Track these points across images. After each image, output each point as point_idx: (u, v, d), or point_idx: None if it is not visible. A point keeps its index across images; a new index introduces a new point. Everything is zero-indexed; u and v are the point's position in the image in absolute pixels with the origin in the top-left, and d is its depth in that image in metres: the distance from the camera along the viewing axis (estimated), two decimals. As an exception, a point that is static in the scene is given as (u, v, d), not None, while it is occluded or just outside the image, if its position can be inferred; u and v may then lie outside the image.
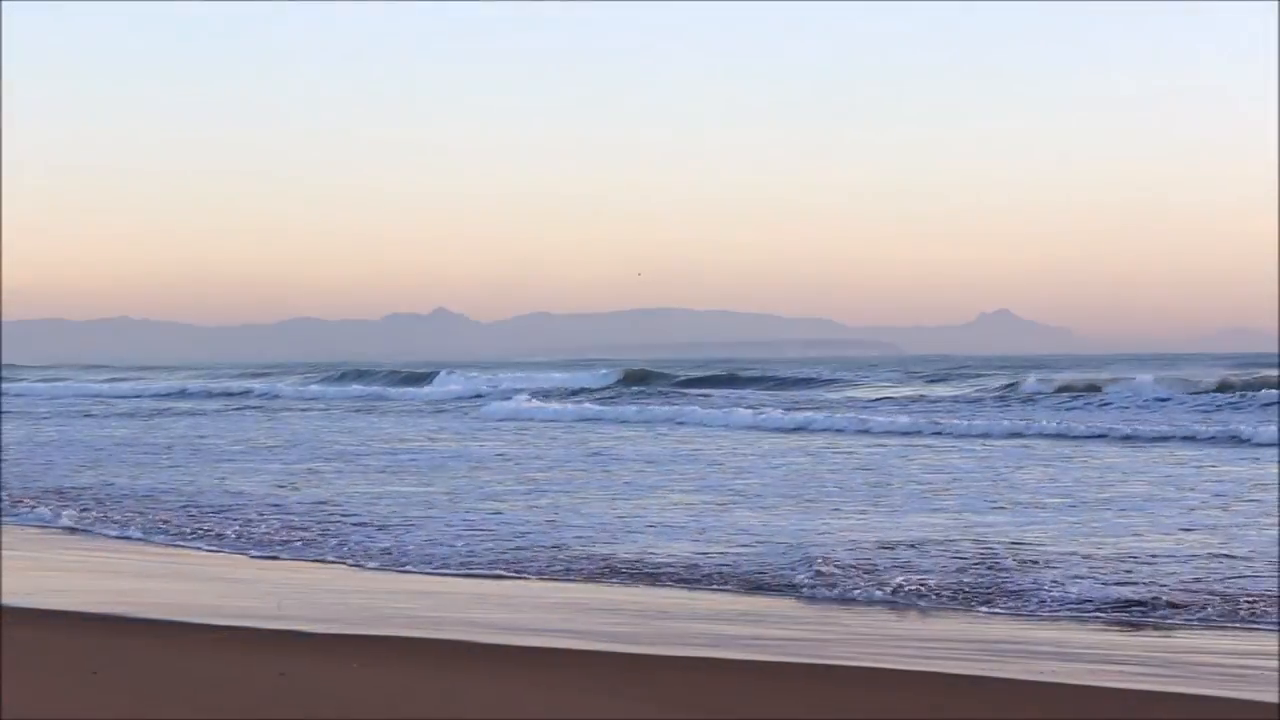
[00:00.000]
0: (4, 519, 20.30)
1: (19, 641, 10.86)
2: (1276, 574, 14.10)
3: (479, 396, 58.62)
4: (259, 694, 9.29)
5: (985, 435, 34.35)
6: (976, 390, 55.51)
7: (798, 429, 38.39)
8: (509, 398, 54.24)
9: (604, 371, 70.02)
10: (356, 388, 70.77)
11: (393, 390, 67.36)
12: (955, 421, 37.42)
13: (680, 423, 42.32)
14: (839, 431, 37.17)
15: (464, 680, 9.89)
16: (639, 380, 66.87)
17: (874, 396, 55.63)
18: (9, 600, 13.16)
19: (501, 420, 45.36)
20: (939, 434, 35.13)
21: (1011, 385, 54.04)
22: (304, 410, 54.97)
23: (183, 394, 71.87)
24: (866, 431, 36.65)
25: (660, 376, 68.62)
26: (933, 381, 65.89)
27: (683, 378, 67.69)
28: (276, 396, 67.75)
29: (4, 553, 16.84)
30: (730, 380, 66.67)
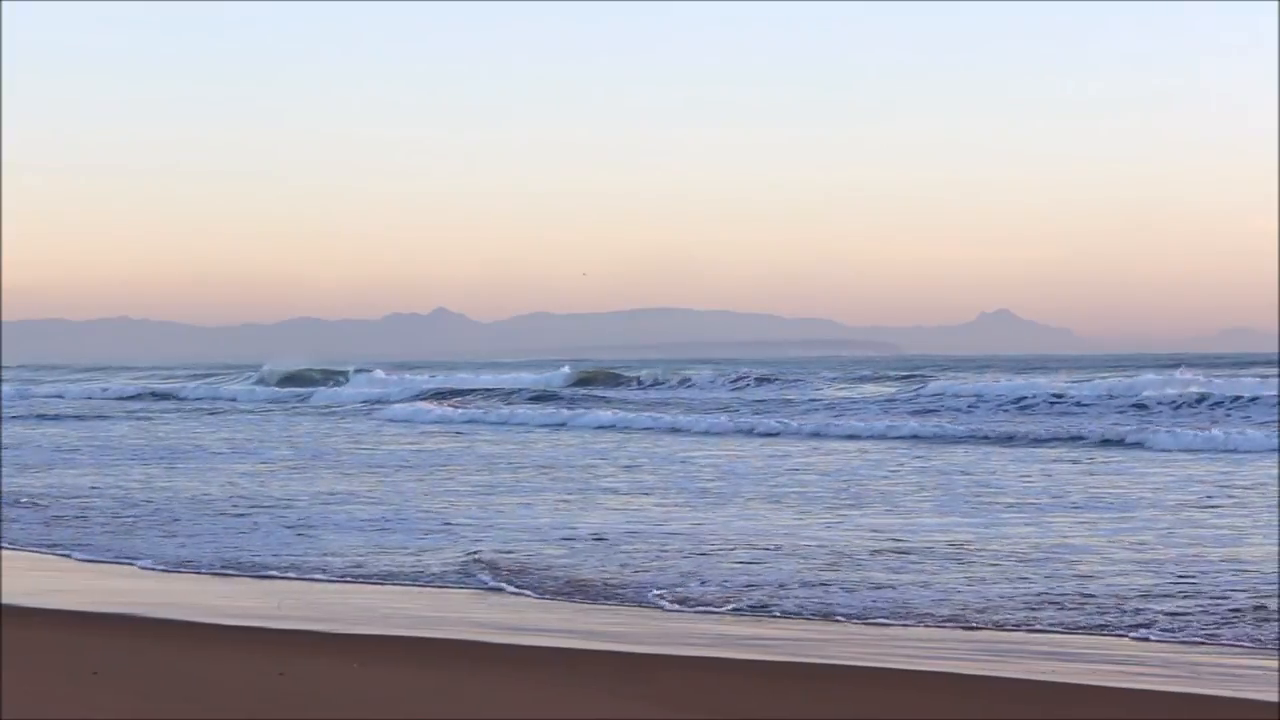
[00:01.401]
0: None
1: (19, 641, 10.86)
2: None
3: (379, 402, 58.22)
4: (259, 694, 9.30)
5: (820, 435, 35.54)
6: (897, 391, 54.54)
7: (674, 430, 39.08)
8: (392, 402, 55.96)
9: (564, 371, 69.91)
10: (259, 389, 70.05)
11: (304, 391, 67.12)
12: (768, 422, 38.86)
13: (559, 424, 42.94)
14: (719, 434, 37.75)
15: (464, 680, 9.89)
16: (592, 381, 67.12)
17: (809, 397, 54.74)
18: (9, 600, 13.17)
19: (389, 422, 45.77)
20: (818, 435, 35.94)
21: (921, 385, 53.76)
22: (206, 413, 54.04)
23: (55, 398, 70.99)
24: (749, 432, 37.37)
25: (613, 378, 68.79)
26: (868, 381, 65.48)
27: (634, 378, 67.79)
28: (184, 399, 67.31)
29: (4, 553, 16.86)
30: (678, 381, 66.38)
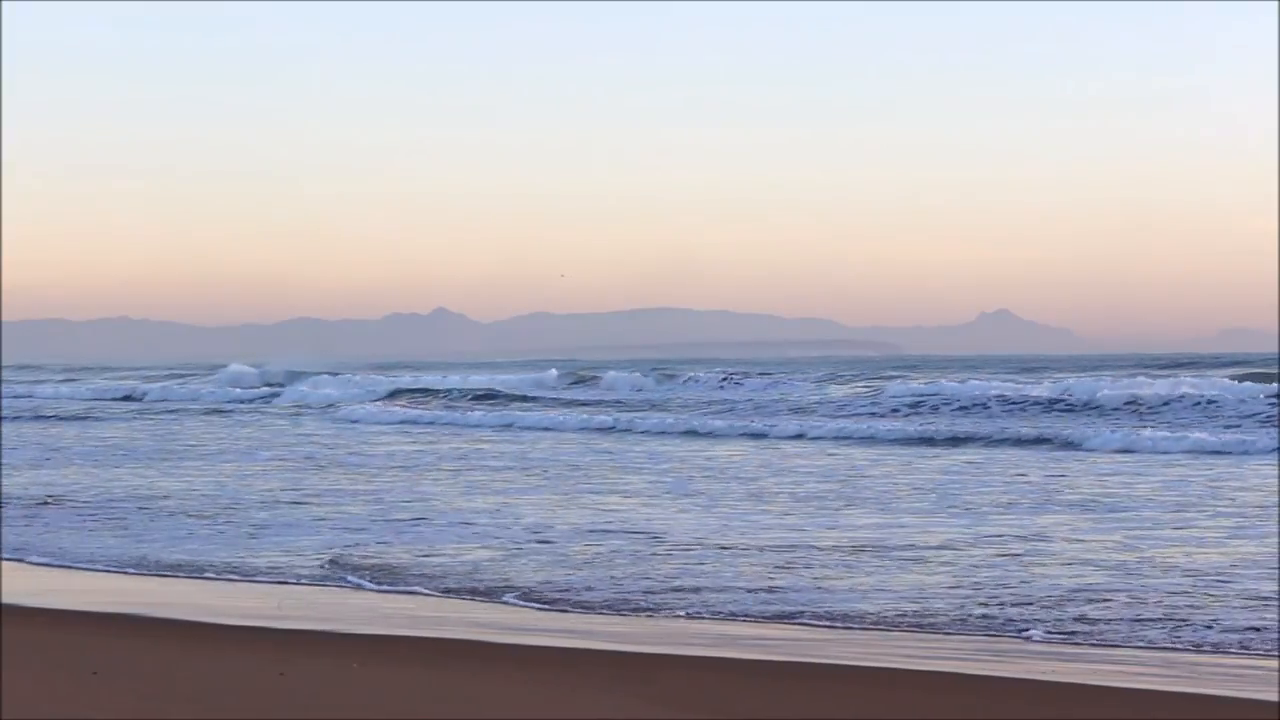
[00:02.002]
0: None
1: (19, 641, 10.86)
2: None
3: (339, 404, 57.97)
4: (259, 694, 9.30)
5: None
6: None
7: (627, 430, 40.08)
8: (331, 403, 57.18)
9: (551, 372, 70.03)
10: (224, 390, 69.57)
11: (268, 392, 67.00)
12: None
13: (506, 425, 43.52)
14: (624, 431, 39.20)
15: (464, 680, 9.89)
16: (578, 382, 67.37)
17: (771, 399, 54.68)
18: (9, 600, 13.17)
19: (346, 423, 45.96)
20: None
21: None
22: (155, 414, 52.97)
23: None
24: (696, 433, 38.41)
25: (596, 379, 69.06)
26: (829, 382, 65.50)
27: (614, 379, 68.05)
28: (147, 400, 66.95)
29: (4, 552, 16.86)
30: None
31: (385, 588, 14.31)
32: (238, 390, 69.22)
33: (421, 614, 12.99)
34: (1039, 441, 32.22)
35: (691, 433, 37.89)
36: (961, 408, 42.77)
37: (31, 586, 14.40)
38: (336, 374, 75.93)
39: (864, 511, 19.76)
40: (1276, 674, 10.23)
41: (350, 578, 14.84)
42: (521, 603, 13.40)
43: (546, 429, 41.29)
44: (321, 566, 15.54)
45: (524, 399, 55.77)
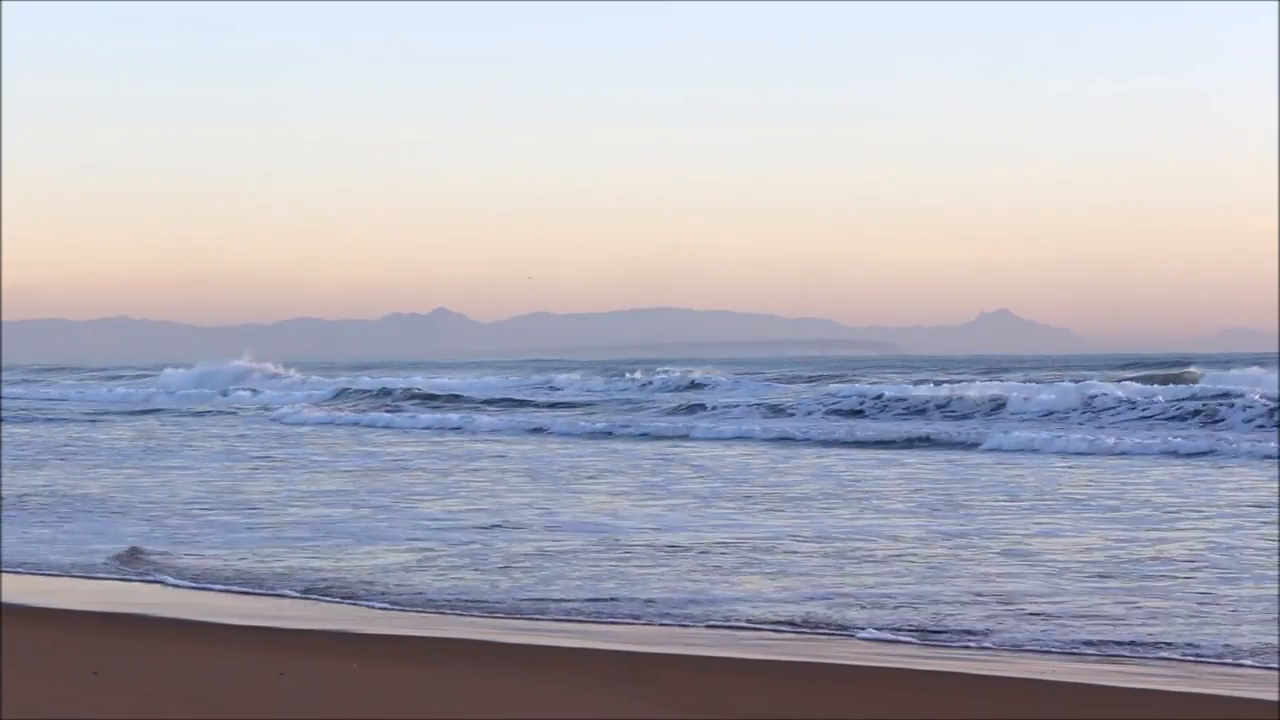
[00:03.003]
0: None
1: (19, 641, 10.86)
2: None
3: (278, 406, 57.76)
4: (259, 694, 9.29)
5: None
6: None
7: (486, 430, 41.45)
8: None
9: (523, 374, 70.44)
10: (170, 392, 69.88)
11: (210, 393, 67.12)
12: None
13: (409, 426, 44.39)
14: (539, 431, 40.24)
15: (464, 680, 9.90)
16: (547, 383, 67.69)
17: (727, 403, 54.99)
18: (9, 600, 13.17)
19: (274, 423, 46.55)
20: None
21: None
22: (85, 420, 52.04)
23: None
24: (547, 430, 39.92)
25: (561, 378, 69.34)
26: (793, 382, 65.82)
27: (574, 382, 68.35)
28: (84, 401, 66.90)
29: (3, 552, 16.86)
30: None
31: (175, 582, 14.54)
32: (169, 393, 69.04)
33: (422, 614, 12.99)
34: (951, 445, 32.51)
35: (609, 434, 38.32)
36: (900, 412, 42.76)
37: (31, 587, 14.40)
38: (278, 375, 76.37)
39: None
40: (1276, 674, 10.24)
41: (152, 574, 14.95)
42: (300, 596, 13.67)
43: (458, 429, 41.84)
44: (111, 560, 15.72)
45: (457, 399, 56.21)
